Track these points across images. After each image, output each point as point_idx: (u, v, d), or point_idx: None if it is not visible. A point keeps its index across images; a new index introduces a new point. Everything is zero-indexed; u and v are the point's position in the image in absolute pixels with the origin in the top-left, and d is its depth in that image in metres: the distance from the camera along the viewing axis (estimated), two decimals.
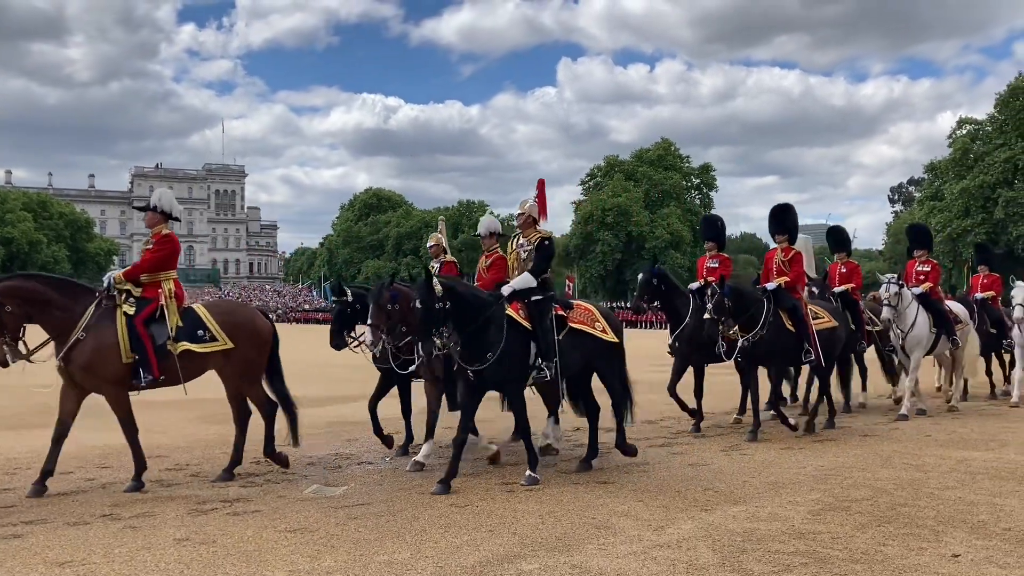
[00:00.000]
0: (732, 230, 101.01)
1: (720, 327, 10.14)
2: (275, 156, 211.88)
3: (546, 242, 8.44)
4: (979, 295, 15.37)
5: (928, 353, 13.07)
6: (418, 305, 7.56)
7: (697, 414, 11.29)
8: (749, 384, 10.89)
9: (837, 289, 13.20)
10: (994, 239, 61.38)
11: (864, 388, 14.19)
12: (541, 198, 8.81)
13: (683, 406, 11.28)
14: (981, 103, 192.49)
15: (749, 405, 11.07)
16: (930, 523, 6.38)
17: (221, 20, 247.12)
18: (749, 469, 8.58)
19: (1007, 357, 15.50)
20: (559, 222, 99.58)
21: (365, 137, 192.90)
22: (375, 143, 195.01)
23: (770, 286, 10.79)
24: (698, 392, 11.45)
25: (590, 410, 8.83)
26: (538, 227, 8.57)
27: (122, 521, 6.56)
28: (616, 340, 8.63)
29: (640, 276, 11.53)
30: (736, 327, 10.21)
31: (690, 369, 11.55)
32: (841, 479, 8.04)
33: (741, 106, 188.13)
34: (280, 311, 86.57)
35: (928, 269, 13.40)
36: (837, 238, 14.24)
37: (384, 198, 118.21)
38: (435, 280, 7.59)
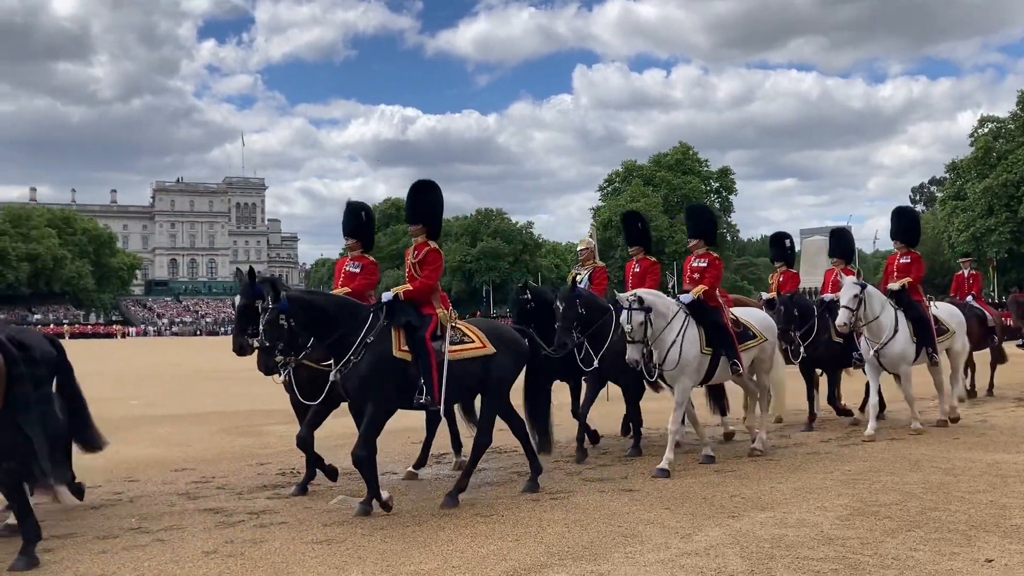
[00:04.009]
0: (751, 233, 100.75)
1: (279, 359, 7.13)
2: (295, 169, 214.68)
3: None
4: (828, 296, 12.05)
5: (705, 382, 9.50)
6: None
7: (318, 464, 8.41)
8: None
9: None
10: (1019, 237, 60.89)
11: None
12: None
13: (318, 461, 8.39)
14: (1002, 101, 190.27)
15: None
16: (962, 527, 6.29)
17: (241, 36, 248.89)
18: (776, 475, 8.51)
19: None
20: (579, 228, 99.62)
21: (383, 148, 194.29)
22: (393, 154, 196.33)
23: (386, 296, 7.64)
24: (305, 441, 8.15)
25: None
26: None
27: (150, 534, 6.61)
28: None
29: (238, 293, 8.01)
30: (321, 357, 7.53)
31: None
32: (869, 484, 7.96)
33: (758, 109, 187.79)
34: None
35: (704, 265, 9.60)
36: (629, 229, 10.68)
37: (403, 208, 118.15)
38: None
